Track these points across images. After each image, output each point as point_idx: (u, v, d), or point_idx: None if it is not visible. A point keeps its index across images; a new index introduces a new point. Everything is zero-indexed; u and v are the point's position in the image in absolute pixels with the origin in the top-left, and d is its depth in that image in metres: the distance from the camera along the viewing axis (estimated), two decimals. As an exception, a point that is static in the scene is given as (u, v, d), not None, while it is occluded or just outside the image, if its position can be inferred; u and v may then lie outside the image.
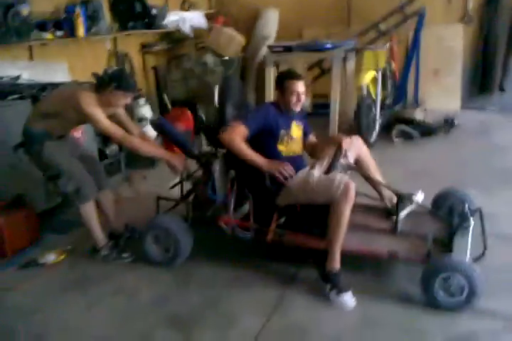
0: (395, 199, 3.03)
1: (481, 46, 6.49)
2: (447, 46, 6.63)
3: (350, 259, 2.91)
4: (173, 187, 3.31)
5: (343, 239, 2.70)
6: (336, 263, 2.71)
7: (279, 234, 2.91)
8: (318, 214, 2.84)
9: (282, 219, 2.95)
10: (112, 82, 2.94)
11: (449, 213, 3.07)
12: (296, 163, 3.01)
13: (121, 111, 3.23)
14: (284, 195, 2.91)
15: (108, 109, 3.05)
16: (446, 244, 2.72)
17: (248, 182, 2.99)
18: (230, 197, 2.96)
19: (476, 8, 6.45)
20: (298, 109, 3.03)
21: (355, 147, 3.06)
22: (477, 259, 2.56)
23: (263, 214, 2.95)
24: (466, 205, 3.00)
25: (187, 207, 3.12)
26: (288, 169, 2.83)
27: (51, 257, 3.25)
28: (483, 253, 2.59)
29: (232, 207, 2.95)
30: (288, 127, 3.03)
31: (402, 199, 2.93)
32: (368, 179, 3.11)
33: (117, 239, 3.37)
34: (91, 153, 3.57)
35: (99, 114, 2.93)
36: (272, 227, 2.90)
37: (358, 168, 3.07)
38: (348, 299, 2.62)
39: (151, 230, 3.05)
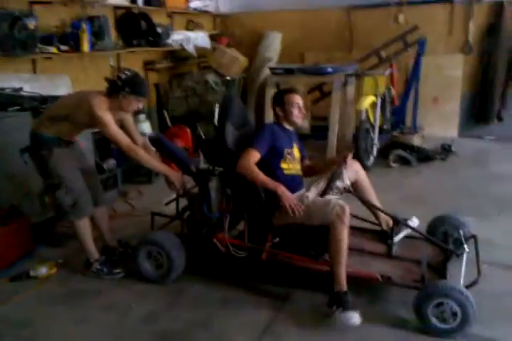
0: (390, 223, 3.04)
1: (480, 76, 6.58)
2: (447, 75, 6.73)
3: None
4: (168, 203, 3.31)
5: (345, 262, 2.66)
6: (343, 286, 2.64)
7: (273, 254, 2.90)
8: (313, 236, 2.83)
9: (277, 239, 2.94)
10: (126, 86, 2.95)
11: (443, 239, 3.07)
12: (296, 182, 3.05)
13: (129, 119, 3.23)
14: (279, 215, 2.90)
15: (117, 114, 3.05)
16: (440, 270, 2.71)
17: (244, 201, 2.99)
18: (225, 215, 2.96)
19: (476, 38, 6.56)
20: (300, 121, 3.12)
21: (352, 170, 3.08)
22: (471, 286, 2.54)
23: (258, 233, 2.94)
24: (461, 232, 3.01)
25: (182, 223, 3.10)
26: (299, 207, 2.76)
27: (43, 270, 3.22)
28: (476, 280, 2.58)
29: (226, 225, 2.95)
30: (290, 146, 3.08)
31: (398, 223, 2.94)
32: (365, 202, 3.11)
33: (110, 254, 3.35)
34: (93, 166, 3.56)
35: (109, 119, 2.92)
36: (267, 247, 2.89)
37: (355, 190, 3.08)
38: (355, 316, 2.55)
39: (144, 246, 3.03)
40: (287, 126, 3.13)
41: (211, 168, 3.16)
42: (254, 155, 2.87)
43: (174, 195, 3.27)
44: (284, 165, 3.00)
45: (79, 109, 2.96)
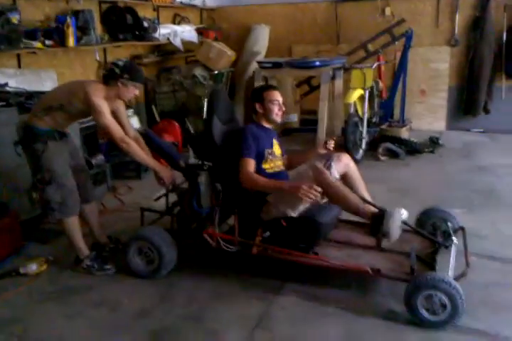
0: None
1: (466, 68, 6.62)
2: (434, 68, 6.77)
3: (336, 275, 2.94)
4: (158, 198, 3.29)
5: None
6: (365, 208, 2.77)
7: (263, 249, 2.91)
8: (302, 229, 2.84)
9: (267, 234, 2.94)
10: (124, 72, 2.94)
11: (432, 231, 3.09)
12: (280, 178, 3.05)
13: (122, 110, 3.21)
14: (266, 210, 2.92)
15: (112, 104, 3.02)
16: (429, 262, 2.74)
17: (233, 196, 2.98)
18: (215, 210, 2.96)
19: (462, 31, 6.59)
20: (280, 119, 3.11)
21: (342, 163, 3.07)
22: (459, 277, 2.57)
23: (248, 227, 2.94)
24: (449, 224, 3.03)
25: (171, 219, 3.10)
26: (311, 188, 2.66)
27: (33, 267, 3.19)
28: (465, 272, 2.60)
29: (217, 220, 2.95)
30: (270, 146, 3.08)
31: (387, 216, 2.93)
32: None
33: (101, 251, 3.33)
34: (84, 161, 3.53)
35: (105, 108, 2.90)
36: (257, 241, 2.90)
37: (345, 183, 3.08)
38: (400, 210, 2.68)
39: (134, 242, 3.01)
40: (266, 125, 3.12)
41: (200, 163, 3.16)
42: (251, 164, 2.90)
43: (164, 190, 3.26)
44: (265, 166, 3.02)
45: (74, 97, 2.93)
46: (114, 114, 3.08)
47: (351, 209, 2.83)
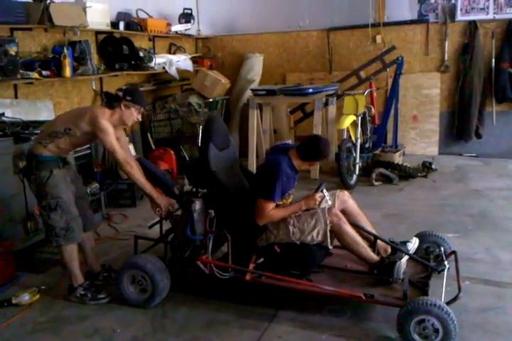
0: (389, 250, 3.04)
1: (457, 94, 6.72)
2: (425, 94, 6.87)
3: (330, 301, 2.94)
4: (152, 226, 3.30)
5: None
6: (374, 257, 2.89)
7: (257, 275, 2.91)
8: (296, 256, 2.85)
9: (261, 260, 2.95)
10: (127, 95, 3.04)
11: (425, 255, 3.10)
12: None
13: (124, 138, 3.29)
14: (264, 236, 2.94)
15: (116, 131, 3.08)
16: (421, 287, 2.74)
17: (227, 222, 3.00)
18: (209, 237, 2.97)
19: (452, 57, 6.72)
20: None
21: (340, 200, 3.11)
22: (452, 302, 2.57)
23: (242, 254, 2.95)
24: (442, 248, 3.05)
25: (165, 246, 3.10)
26: (316, 196, 2.92)
27: (25, 297, 3.16)
28: (457, 296, 2.61)
29: (210, 246, 2.96)
30: (294, 187, 3.10)
31: (396, 251, 2.93)
32: (358, 229, 3.03)
33: (94, 279, 3.32)
34: (84, 189, 3.56)
35: (111, 130, 2.97)
36: (250, 268, 2.90)
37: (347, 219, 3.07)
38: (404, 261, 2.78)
39: (127, 270, 3.01)
40: (296, 167, 3.06)
41: (195, 190, 3.19)
42: (272, 207, 2.90)
43: (158, 218, 3.27)
44: (281, 202, 3.03)
45: (80, 121, 3.00)
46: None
47: (361, 257, 2.92)
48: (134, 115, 3.11)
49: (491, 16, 6.47)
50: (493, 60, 6.48)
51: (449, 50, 6.68)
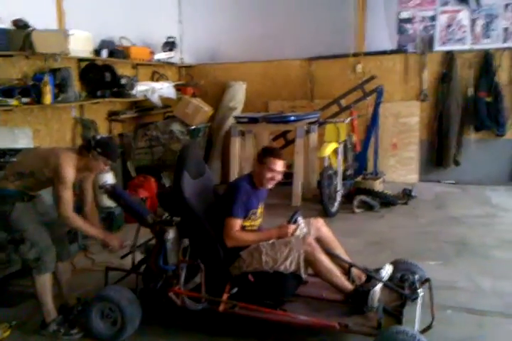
0: (363, 278, 3.02)
1: (436, 122, 6.83)
2: (404, 122, 6.98)
3: (309, 331, 2.90)
4: (124, 256, 3.24)
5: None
6: (348, 286, 2.85)
7: (231, 305, 2.86)
8: (270, 286, 2.82)
9: (235, 290, 2.91)
10: (98, 146, 3.00)
11: (399, 284, 3.08)
12: None
13: (90, 179, 3.27)
14: (237, 264, 2.91)
15: (82, 173, 3.08)
16: (396, 316, 2.72)
17: (201, 251, 2.97)
18: (181, 266, 2.92)
19: (431, 86, 6.86)
20: (270, 186, 3.11)
21: (314, 228, 3.10)
22: (425, 330, 2.55)
23: (215, 284, 2.91)
24: (416, 276, 3.04)
25: (136, 277, 3.05)
26: (290, 228, 2.93)
27: None
28: (430, 325, 2.58)
29: (183, 277, 2.91)
30: (257, 207, 3.11)
31: (370, 278, 2.92)
32: (333, 257, 3.02)
33: (68, 313, 3.21)
34: (58, 220, 3.49)
35: (69, 181, 2.94)
36: (224, 298, 2.85)
37: (321, 247, 3.06)
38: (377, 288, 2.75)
39: (97, 302, 2.94)
40: (258, 185, 3.10)
41: (170, 218, 3.16)
42: (237, 225, 2.93)
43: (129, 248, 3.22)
44: (246, 223, 3.04)
45: (45, 165, 2.98)
46: (81, 181, 3.19)
47: (335, 286, 2.89)
48: (100, 166, 3.10)
49: (468, 47, 6.65)
50: (471, 89, 6.62)
51: (427, 79, 6.82)
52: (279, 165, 3.04)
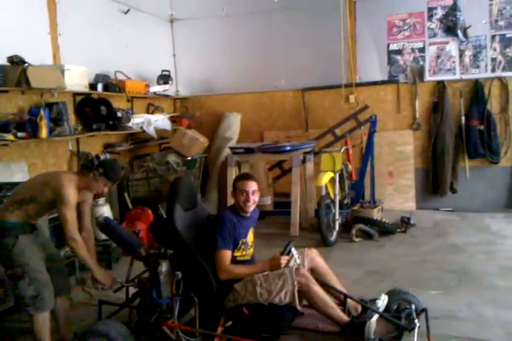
0: (359, 309, 3.00)
1: (430, 151, 6.87)
2: (399, 150, 7.03)
3: None
4: (117, 290, 3.20)
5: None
6: (344, 317, 2.81)
7: (226, 339, 2.81)
8: (265, 318, 2.77)
9: (229, 323, 2.86)
10: (100, 167, 3.02)
11: (396, 314, 3.03)
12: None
13: (89, 201, 3.25)
14: (231, 297, 2.88)
15: (81, 194, 3.06)
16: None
17: (194, 284, 2.93)
18: (175, 300, 2.88)
19: (423, 115, 6.93)
20: (250, 209, 3.11)
21: (308, 258, 3.10)
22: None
23: (209, 317, 2.87)
24: (413, 306, 2.99)
25: (130, 311, 3.00)
26: (283, 259, 2.91)
27: None
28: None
29: (176, 310, 2.87)
30: (246, 236, 3.11)
31: (366, 310, 2.90)
32: (328, 288, 3.01)
33: None
34: (57, 252, 3.46)
35: (73, 201, 2.93)
36: (219, 332, 2.81)
37: (314, 277, 3.03)
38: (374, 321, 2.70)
39: (88, 337, 2.87)
40: (242, 213, 3.12)
41: (163, 251, 3.13)
42: (227, 256, 2.94)
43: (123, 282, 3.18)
44: (237, 254, 3.05)
45: (46, 187, 2.96)
46: (80, 204, 3.12)
47: (331, 318, 2.85)
48: (100, 187, 3.11)
49: (458, 77, 6.77)
50: (463, 118, 6.70)
51: (419, 108, 6.91)
52: (249, 185, 3.09)
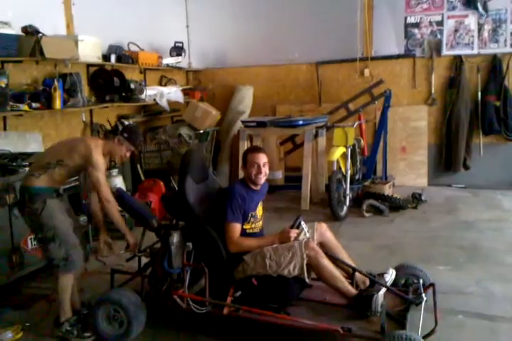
0: (367, 282, 3.03)
1: (444, 126, 6.80)
2: (413, 126, 6.96)
3: (315, 334, 2.89)
4: (130, 259, 3.26)
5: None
6: (351, 290, 2.84)
7: (235, 309, 2.87)
8: (274, 289, 2.82)
9: (239, 293, 2.92)
10: (125, 131, 3.10)
11: (404, 288, 3.08)
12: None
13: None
14: (241, 268, 2.92)
15: (105, 158, 3.14)
16: (399, 320, 2.71)
17: (204, 255, 2.98)
18: (186, 270, 2.94)
19: (439, 90, 6.83)
20: (261, 181, 3.13)
21: (318, 232, 3.11)
22: (428, 335, 2.53)
23: (219, 288, 2.92)
24: (421, 280, 3.02)
25: (142, 280, 3.07)
26: (293, 232, 2.93)
27: (8, 335, 3.06)
28: (433, 330, 2.57)
29: (187, 280, 2.93)
30: (255, 209, 3.13)
31: (375, 282, 2.94)
32: (337, 262, 3.04)
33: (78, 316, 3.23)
34: (78, 219, 3.53)
35: (103, 165, 3.03)
36: (228, 301, 2.86)
37: (325, 252, 3.06)
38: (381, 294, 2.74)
39: (100, 305, 2.96)
40: (252, 186, 3.13)
41: (175, 222, 3.17)
42: (237, 229, 2.96)
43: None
44: (246, 226, 3.07)
45: (74, 152, 3.02)
46: None
47: (338, 291, 2.88)
48: (123, 152, 3.17)
49: (475, 51, 6.63)
50: (479, 94, 6.59)
51: (435, 83, 6.81)
52: (259, 158, 3.11)
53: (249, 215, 3.07)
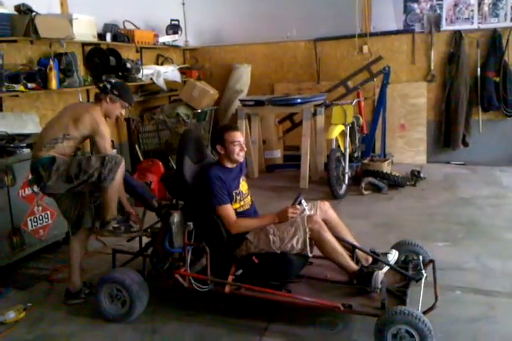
0: (370, 260, 3.05)
1: (444, 103, 6.76)
2: (412, 103, 6.91)
3: (321, 312, 2.92)
4: (131, 239, 3.28)
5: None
6: (353, 266, 2.87)
7: (236, 287, 2.89)
8: (275, 266, 2.84)
9: (240, 271, 2.94)
10: (114, 89, 3.10)
11: (403, 265, 3.10)
12: (250, 214, 3.12)
13: None
14: (244, 247, 2.93)
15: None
16: (399, 296, 2.74)
17: (205, 234, 2.99)
18: (187, 249, 2.95)
19: (438, 67, 6.77)
20: (241, 159, 3.11)
21: (321, 211, 3.11)
22: (428, 311, 2.56)
23: (220, 266, 2.94)
24: (420, 257, 3.04)
25: (143, 260, 3.09)
26: (295, 209, 2.92)
27: (11, 315, 3.08)
28: (433, 305, 2.59)
29: (188, 259, 2.94)
30: (237, 186, 3.10)
31: (377, 261, 2.96)
32: (342, 241, 3.03)
33: (75, 297, 3.26)
34: None
35: (109, 136, 3.09)
36: (229, 280, 2.89)
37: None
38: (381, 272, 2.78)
39: (102, 285, 2.98)
40: (229, 165, 3.09)
41: (174, 202, 3.18)
42: (229, 210, 2.94)
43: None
44: (235, 206, 3.04)
45: (80, 124, 3.04)
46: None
47: (340, 266, 2.91)
48: (117, 109, 3.18)
49: (475, 26, 6.55)
50: (479, 69, 6.53)
51: (435, 59, 6.74)
52: (239, 136, 3.07)
53: (234, 194, 3.03)
